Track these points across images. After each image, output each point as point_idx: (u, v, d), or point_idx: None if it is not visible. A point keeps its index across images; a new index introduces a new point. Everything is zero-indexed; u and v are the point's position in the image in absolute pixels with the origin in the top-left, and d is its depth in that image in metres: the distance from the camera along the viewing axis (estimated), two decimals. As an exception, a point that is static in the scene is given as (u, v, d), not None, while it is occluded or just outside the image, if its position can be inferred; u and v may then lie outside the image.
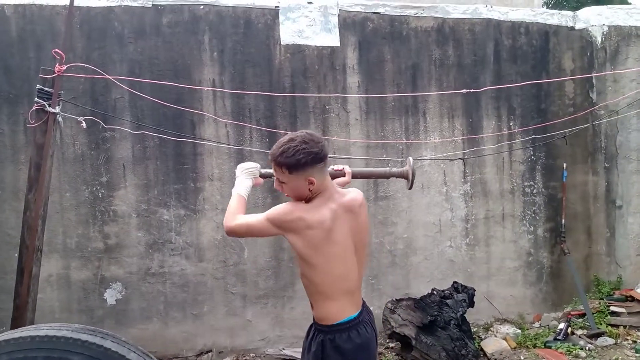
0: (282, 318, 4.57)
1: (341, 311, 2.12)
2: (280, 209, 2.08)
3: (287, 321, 4.55)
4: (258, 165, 2.43)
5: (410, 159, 2.66)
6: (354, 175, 2.53)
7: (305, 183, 2.04)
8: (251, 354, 4.47)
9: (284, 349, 4.44)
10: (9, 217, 4.06)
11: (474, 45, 5.00)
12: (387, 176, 2.76)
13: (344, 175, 2.49)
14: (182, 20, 4.39)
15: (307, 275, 2.13)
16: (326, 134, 4.63)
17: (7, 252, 4.02)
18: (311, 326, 2.26)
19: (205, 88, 4.39)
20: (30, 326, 2.23)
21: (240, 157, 4.47)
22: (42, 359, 1.95)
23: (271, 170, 2.26)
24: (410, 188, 2.67)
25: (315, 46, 4.64)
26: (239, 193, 2.31)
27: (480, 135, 4.98)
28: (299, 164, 2.00)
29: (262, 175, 2.44)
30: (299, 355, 4.28)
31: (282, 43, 4.58)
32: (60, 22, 4.12)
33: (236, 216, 2.20)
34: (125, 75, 4.14)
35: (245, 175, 2.38)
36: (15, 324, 3.03)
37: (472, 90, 4.19)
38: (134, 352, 2.07)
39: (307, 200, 2.11)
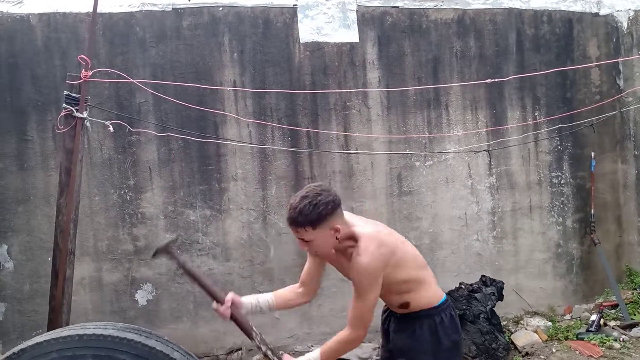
0: (310, 315, 4.59)
1: (436, 292, 2.24)
2: (368, 261, 2.02)
3: (315, 318, 4.56)
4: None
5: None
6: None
7: (332, 232, 2.04)
8: (280, 352, 4.48)
9: (312, 346, 4.46)
10: (41, 223, 4.16)
11: (495, 36, 4.93)
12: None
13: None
14: (202, 22, 4.43)
15: (404, 282, 2.17)
16: (348, 131, 4.63)
17: (41, 257, 4.12)
18: (397, 321, 2.28)
19: (227, 88, 4.43)
20: (77, 324, 2.28)
21: (263, 156, 4.50)
22: (90, 357, 1.99)
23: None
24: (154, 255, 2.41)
25: (335, 43, 4.63)
26: (317, 354, 2.14)
27: (505, 127, 4.91)
28: (322, 217, 1.99)
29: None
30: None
31: (301, 41, 4.58)
32: (83, 29, 4.20)
33: (348, 332, 2.09)
34: (148, 79, 4.20)
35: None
36: (51, 325, 3.10)
37: (496, 80, 4.13)
38: (177, 351, 2.10)
39: (340, 244, 2.11)
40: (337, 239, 2.05)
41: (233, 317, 2.26)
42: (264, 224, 4.52)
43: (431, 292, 2.22)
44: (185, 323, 4.40)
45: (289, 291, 2.47)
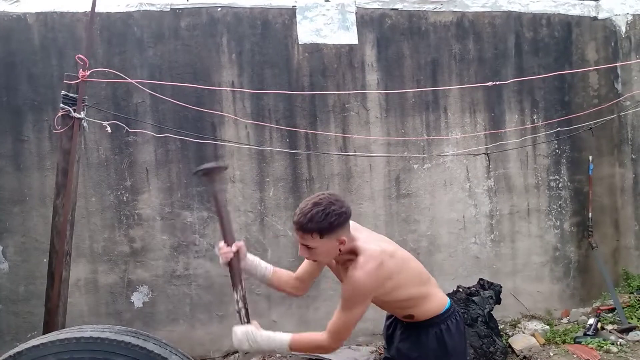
0: (306, 318, 4.57)
1: (440, 300, 2.23)
2: (363, 279, 1.97)
3: (312, 321, 4.54)
4: (249, 328, 2.16)
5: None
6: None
7: (337, 244, 1.99)
8: (277, 355, 4.47)
9: (309, 349, 4.43)
10: (37, 224, 4.13)
11: (494, 39, 4.93)
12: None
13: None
14: (200, 23, 4.40)
15: (405, 299, 2.15)
16: (346, 132, 4.61)
17: (37, 258, 4.08)
18: (403, 329, 2.27)
19: (225, 89, 4.40)
20: (74, 327, 2.27)
21: (261, 158, 4.48)
22: None
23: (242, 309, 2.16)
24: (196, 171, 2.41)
25: (334, 44, 4.62)
26: (287, 340, 2.09)
27: (503, 130, 4.91)
28: (332, 227, 1.94)
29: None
30: (325, 355, 4.29)
31: (300, 42, 4.56)
32: (81, 29, 4.17)
33: (323, 338, 2.08)
34: (146, 79, 4.17)
35: (259, 339, 2.12)
36: (47, 327, 3.07)
37: (497, 83, 4.13)
38: (175, 354, 2.09)
39: (341, 255, 2.08)
40: (340, 250, 2.02)
41: (231, 263, 2.21)
42: (262, 225, 4.50)
43: (435, 303, 2.21)
44: (182, 325, 4.37)
45: (287, 275, 2.40)
